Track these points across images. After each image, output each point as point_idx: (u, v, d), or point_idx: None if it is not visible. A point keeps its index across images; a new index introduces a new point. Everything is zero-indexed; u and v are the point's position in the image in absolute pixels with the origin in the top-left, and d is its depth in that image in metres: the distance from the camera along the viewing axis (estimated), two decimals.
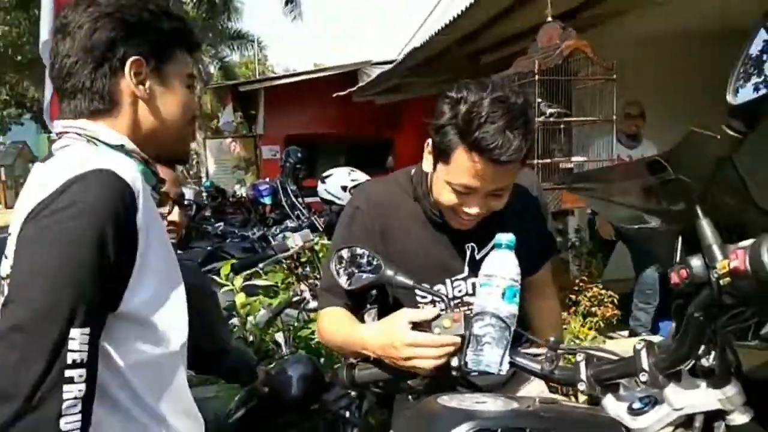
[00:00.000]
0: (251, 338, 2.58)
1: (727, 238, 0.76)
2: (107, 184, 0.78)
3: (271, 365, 1.98)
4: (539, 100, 2.86)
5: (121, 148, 0.88)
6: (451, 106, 1.13)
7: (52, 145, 0.93)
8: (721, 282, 0.66)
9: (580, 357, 0.94)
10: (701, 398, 0.83)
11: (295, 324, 2.54)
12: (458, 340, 1.00)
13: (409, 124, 10.38)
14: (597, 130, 2.89)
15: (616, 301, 3.26)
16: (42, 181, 0.81)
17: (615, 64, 2.74)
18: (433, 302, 1.28)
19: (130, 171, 0.82)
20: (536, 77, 2.73)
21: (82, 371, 0.73)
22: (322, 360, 2.45)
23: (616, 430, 0.81)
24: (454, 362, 1.00)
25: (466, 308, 1.24)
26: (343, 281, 1.18)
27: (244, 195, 8.43)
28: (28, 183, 0.88)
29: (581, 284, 3.35)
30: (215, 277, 2.80)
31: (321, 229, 4.25)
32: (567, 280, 3.67)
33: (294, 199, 5.20)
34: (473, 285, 1.27)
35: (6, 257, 0.85)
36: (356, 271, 1.18)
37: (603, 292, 3.26)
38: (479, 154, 1.09)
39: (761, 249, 0.61)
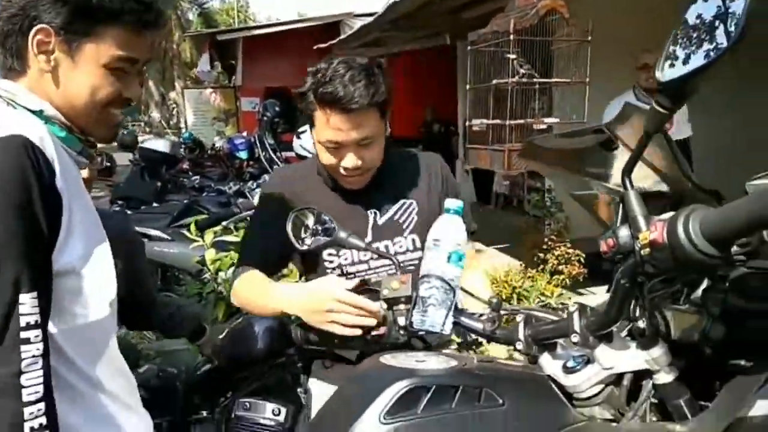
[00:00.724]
0: (223, 293, 2.62)
1: (661, 209, 0.79)
2: (20, 148, 0.77)
3: (239, 320, 2.02)
4: (514, 58, 2.85)
5: (40, 113, 0.86)
6: (312, 76, 1.28)
7: None
8: (642, 252, 0.69)
9: (519, 318, 0.98)
10: (629, 359, 0.88)
11: None
12: (379, 311, 1.08)
13: (392, 78, 10.27)
14: (574, 92, 2.89)
15: (582, 259, 3.34)
16: None
17: (591, 26, 2.72)
18: (339, 268, 1.38)
19: (41, 134, 0.81)
20: (511, 37, 2.70)
21: (38, 331, 0.77)
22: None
23: (545, 386, 0.86)
24: (401, 321, 1.03)
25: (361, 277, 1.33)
26: (299, 243, 1.20)
27: (221, 147, 8.33)
28: None
29: (550, 243, 3.42)
30: (186, 232, 2.81)
31: None
32: (539, 238, 3.74)
33: (272, 154, 5.15)
34: (377, 246, 1.37)
35: None
36: (311, 232, 1.20)
37: (570, 251, 3.33)
38: (329, 107, 1.24)
39: (677, 222, 0.63)
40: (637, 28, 4.03)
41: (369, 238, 1.37)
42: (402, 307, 1.04)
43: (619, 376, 0.90)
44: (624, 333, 0.94)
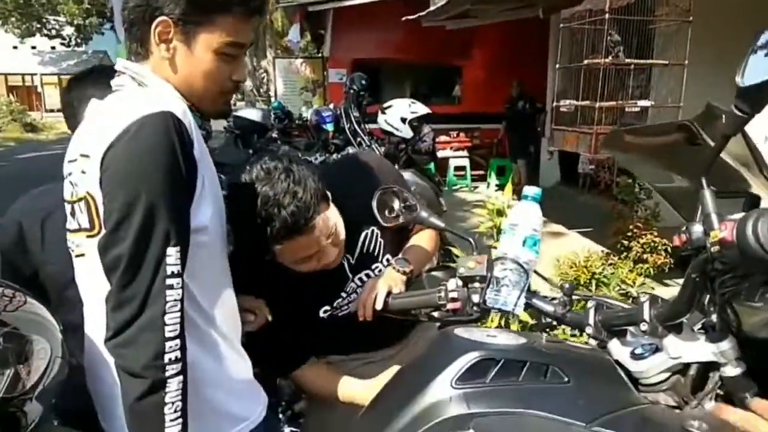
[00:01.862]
0: None
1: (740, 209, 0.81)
2: (171, 122, 0.90)
3: None
4: (609, 37, 2.76)
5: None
6: (260, 212, 1.19)
7: (111, 81, 1.04)
8: (712, 249, 0.72)
9: (590, 304, 1.03)
10: (697, 350, 0.90)
11: None
12: None
13: (479, 51, 10.06)
14: (671, 74, 2.76)
15: (669, 249, 3.23)
16: (106, 119, 0.94)
17: (692, 4, 2.58)
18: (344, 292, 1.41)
19: (183, 109, 0.94)
20: (607, 15, 2.62)
21: (179, 280, 0.91)
22: None
23: (610, 368, 0.90)
24: (475, 299, 1.11)
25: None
26: (384, 220, 1.29)
27: (309, 118, 8.57)
28: (90, 118, 1.01)
29: (635, 230, 3.33)
30: None
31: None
32: (624, 224, 3.63)
33: (356, 126, 5.28)
34: (360, 279, 1.43)
35: (73, 183, 1.00)
36: (393, 210, 1.28)
37: (657, 239, 3.23)
38: (286, 239, 1.19)
39: (747, 223, 0.66)
40: (742, 8, 3.74)
41: (350, 278, 1.42)
42: (477, 285, 1.11)
43: (686, 366, 0.93)
44: (698, 326, 0.96)
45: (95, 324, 0.99)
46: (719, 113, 0.73)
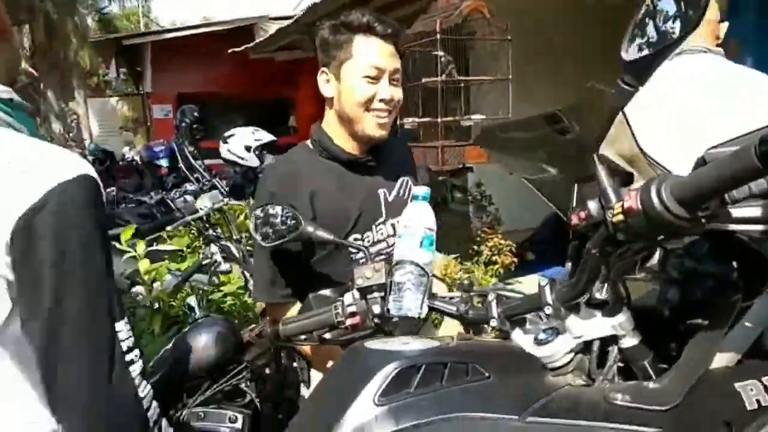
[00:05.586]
0: (157, 305, 2.51)
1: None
2: (92, 189, 0.79)
3: (185, 329, 1.95)
4: (442, 56, 2.93)
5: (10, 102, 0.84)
6: (330, 27, 1.39)
7: None
8: (614, 220, 0.75)
9: (491, 297, 1.02)
10: (597, 326, 0.93)
11: (205, 288, 2.50)
12: None
13: (309, 81, 10.13)
14: (497, 89, 3.00)
15: (513, 249, 3.50)
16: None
17: (509, 25, 2.85)
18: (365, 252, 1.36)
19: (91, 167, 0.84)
20: (438, 36, 2.78)
21: (137, 351, 0.83)
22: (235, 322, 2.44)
23: (525, 357, 0.90)
24: (376, 309, 1.05)
25: (384, 256, 1.37)
26: (264, 240, 1.18)
27: (135, 158, 8.01)
28: None
29: (483, 235, 3.54)
30: (115, 243, 2.66)
31: (224, 192, 4.15)
32: (466, 233, 3.87)
33: (192, 161, 4.99)
34: (392, 225, 1.46)
35: None
36: (273, 229, 1.18)
37: (502, 242, 3.47)
38: (372, 32, 1.34)
39: (651, 188, 0.69)
40: (555, 28, 4.25)
41: (383, 217, 1.45)
42: (376, 295, 1.05)
43: (588, 344, 0.96)
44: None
45: None
46: (602, 92, 0.76)
